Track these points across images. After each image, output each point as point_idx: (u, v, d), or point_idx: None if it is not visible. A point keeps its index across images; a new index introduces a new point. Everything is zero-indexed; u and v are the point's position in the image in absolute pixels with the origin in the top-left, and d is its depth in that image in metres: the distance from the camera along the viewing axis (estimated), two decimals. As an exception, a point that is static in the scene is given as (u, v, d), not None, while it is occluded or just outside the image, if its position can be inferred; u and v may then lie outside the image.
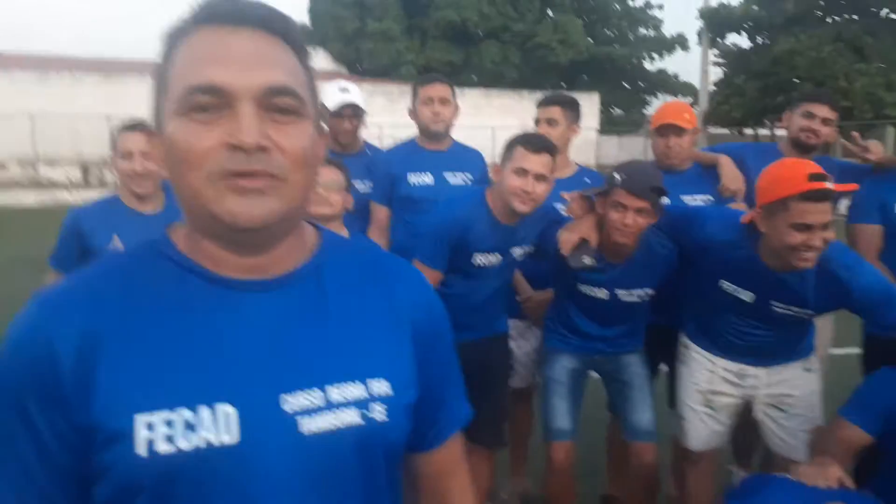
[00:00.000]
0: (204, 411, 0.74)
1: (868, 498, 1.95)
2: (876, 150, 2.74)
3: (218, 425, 0.74)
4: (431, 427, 0.95)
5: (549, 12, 30.75)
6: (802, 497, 1.82)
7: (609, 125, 33.06)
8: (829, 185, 1.95)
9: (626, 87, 33.00)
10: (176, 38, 0.78)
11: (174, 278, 0.81)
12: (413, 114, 3.03)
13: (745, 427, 2.91)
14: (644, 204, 2.22)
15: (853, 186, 2.21)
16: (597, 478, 3.19)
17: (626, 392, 2.61)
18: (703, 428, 2.55)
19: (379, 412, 0.82)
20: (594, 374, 2.74)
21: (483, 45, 28.93)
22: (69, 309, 0.77)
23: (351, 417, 0.81)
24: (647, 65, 33.48)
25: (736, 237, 2.22)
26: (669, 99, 34.82)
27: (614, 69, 31.93)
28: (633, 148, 28.36)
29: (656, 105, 35.78)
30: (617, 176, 2.25)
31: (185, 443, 0.73)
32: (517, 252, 2.49)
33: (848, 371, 3.19)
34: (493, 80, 28.90)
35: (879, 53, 22.68)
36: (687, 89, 33.17)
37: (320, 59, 30.15)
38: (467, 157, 3.12)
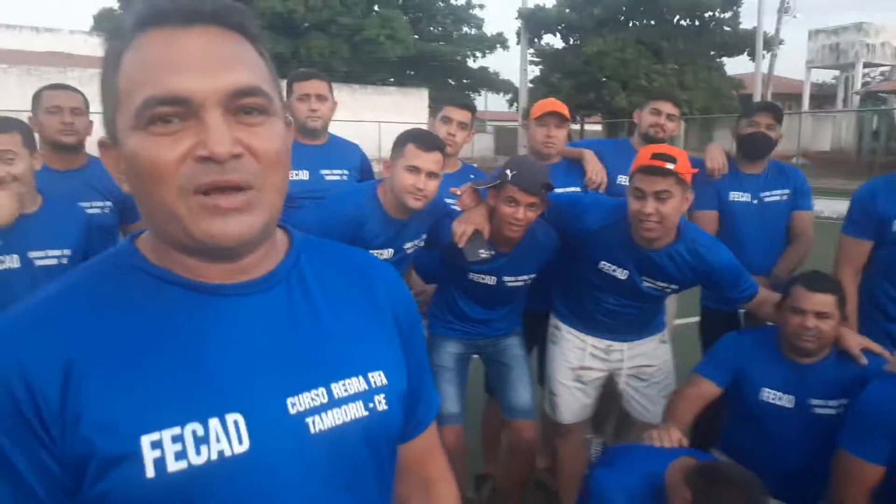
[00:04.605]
0: (214, 423, 0.72)
1: (710, 454, 2.32)
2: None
3: (229, 435, 0.72)
4: (413, 416, 0.97)
5: (376, 7, 30.81)
6: (657, 457, 2.08)
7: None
8: (669, 165, 2.22)
9: (451, 83, 33.93)
10: (121, 42, 0.72)
11: (151, 290, 0.76)
12: (288, 109, 2.97)
13: (601, 398, 3.19)
14: (534, 199, 2.34)
15: (694, 171, 2.50)
16: (470, 458, 3.32)
17: (505, 373, 2.75)
18: (573, 402, 2.77)
19: (380, 402, 0.84)
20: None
21: (310, 38, 28.36)
22: (44, 332, 0.71)
23: (356, 411, 0.81)
24: (471, 62, 34.64)
25: (613, 221, 2.44)
26: (492, 95, 36.37)
27: (441, 66, 32.67)
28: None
29: (481, 101, 37.23)
30: (508, 172, 2.35)
31: (198, 457, 0.70)
32: (409, 246, 2.53)
33: (685, 339, 3.61)
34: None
35: (674, 56, 25.28)
36: (508, 86, 34.68)
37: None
38: (345, 152, 3.10)
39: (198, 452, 0.70)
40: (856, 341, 2.34)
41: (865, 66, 30.66)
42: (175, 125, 0.69)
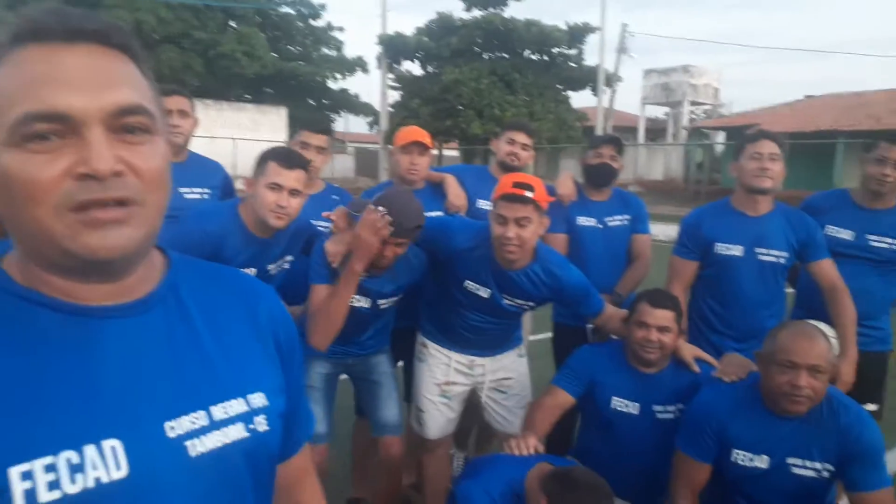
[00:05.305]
0: (90, 449, 0.69)
1: (564, 459, 2.49)
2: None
3: (106, 462, 0.70)
4: (290, 436, 0.97)
5: (233, 23, 29.91)
6: (517, 465, 2.23)
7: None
8: (528, 193, 2.40)
9: (311, 103, 33.55)
10: None
11: (21, 314, 0.73)
12: None
13: (462, 414, 3.31)
14: (404, 240, 2.40)
15: (551, 199, 2.70)
16: (340, 482, 3.31)
17: (375, 391, 2.80)
18: (440, 417, 2.86)
19: (260, 423, 0.84)
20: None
21: (161, 51, 27.00)
22: None
23: (237, 432, 0.82)
24: (331, 83, 34.47)
25: (476, 243, 2.58)
26: (352, 117, 36.35)
27: (300, 85, 32.20)
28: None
29: (341, 123, 37.04)
30: (380, 210, 2.33)
31: (72, 486, 0.67)
32: (272, 267, 2.51)
33: (538, 354, 3.82)
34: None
35: (524, 87, 26.62)
36: (368, 109, 34.78)
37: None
38: (206, 171, 3.04)
39: (73, 481, 0.68)
40: (689, 351, 2.62)
41: (691, 104, 34.05)
42: (53, 142, 0.67)
